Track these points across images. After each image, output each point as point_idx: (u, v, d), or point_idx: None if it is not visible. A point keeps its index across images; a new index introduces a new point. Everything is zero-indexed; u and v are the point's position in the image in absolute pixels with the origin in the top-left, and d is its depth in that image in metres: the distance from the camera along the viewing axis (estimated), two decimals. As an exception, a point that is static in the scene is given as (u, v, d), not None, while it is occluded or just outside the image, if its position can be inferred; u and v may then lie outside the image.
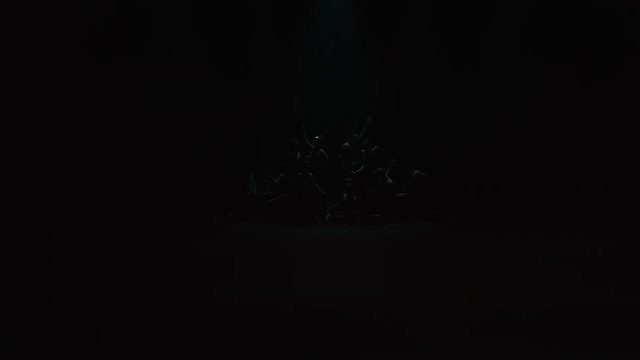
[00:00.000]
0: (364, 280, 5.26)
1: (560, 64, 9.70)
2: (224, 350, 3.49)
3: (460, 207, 9.07)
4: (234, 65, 10.60)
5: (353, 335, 3.70)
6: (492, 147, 9.85)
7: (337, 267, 5.88)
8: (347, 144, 9.65)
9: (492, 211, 8.68)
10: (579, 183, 8.84)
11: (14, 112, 8.80)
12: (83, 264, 5.78)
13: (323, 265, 6.07)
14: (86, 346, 3.52)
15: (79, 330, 3.81)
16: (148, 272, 5.46)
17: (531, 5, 9.94)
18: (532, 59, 9.92)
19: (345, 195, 8.57)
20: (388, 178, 8.84)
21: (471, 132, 10.13)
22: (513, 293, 4.64)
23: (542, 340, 3.57)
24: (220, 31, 10.51)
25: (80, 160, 9.38)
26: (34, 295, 4.59)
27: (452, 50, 10.42)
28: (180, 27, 10.39)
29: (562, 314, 4.06)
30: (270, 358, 3.40)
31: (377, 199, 8.50)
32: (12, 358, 3.36)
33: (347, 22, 10.75)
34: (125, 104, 9.87)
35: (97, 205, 8.74)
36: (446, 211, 8.89)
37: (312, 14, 10.75)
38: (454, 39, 10.43)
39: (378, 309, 4.19)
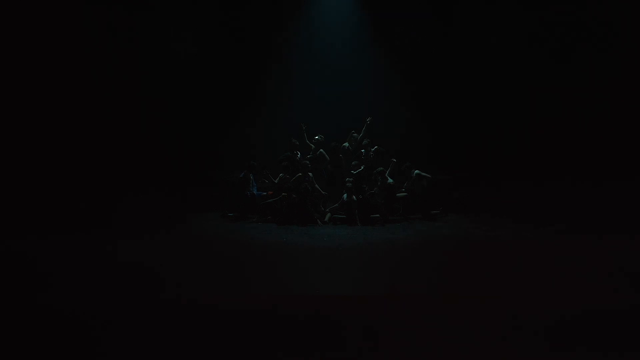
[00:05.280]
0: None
1: (561, 63, 9.76)
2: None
3: (460, 207, 9.09)
4: (234, 65, 10.60)
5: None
6: (492, 146, 9.87)
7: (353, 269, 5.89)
8: (347, 144, 9.65)
9: (492, 211, 8.69)
10: (580, 179, 8.90)
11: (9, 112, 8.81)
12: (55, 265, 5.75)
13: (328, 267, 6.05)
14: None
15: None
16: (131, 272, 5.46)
17: (530, 4, 9.97)
18: (533, 58, 9.97)
19: (345, 195, 8.56)
20: (388, 178, 8.84)
21: (471, 131, 10.14)
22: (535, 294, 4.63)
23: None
24: (219, 31, 10.51)
25: (78, 160, 9.38)
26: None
27: (452, 49, 10.44)
28: (180, 26, 10.39)
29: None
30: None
31: (377, 199, 8.49)
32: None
33: (348, 22, 10.75)
34: (125, 103, 9.87)
35: (95, 205, 8.73)
36: (446, 211, 8.90)
37: (313, 13, 10.75)
38: (454, 38, 10.45)
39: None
